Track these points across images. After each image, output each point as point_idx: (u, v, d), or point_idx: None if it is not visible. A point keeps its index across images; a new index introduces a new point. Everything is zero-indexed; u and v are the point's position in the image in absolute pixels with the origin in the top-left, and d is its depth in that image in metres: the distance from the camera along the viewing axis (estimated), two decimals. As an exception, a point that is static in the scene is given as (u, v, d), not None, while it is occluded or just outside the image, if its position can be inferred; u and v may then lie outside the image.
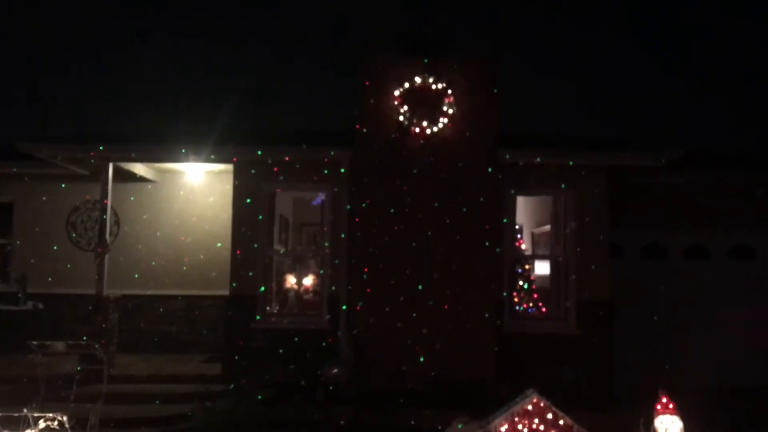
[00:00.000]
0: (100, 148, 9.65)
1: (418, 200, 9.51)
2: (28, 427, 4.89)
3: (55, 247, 11.43)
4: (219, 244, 10.94)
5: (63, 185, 11.48)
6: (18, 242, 11.57)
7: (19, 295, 10.85)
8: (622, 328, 10.07)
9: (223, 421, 7.44)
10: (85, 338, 9.57)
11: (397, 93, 9.57)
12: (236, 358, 9.44)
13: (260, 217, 9.87)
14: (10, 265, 11.53)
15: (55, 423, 5.04)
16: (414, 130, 9.56)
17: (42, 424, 4.86)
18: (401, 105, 9.57)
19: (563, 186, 9.99)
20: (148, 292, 11.31)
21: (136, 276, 11.27)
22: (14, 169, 11.22)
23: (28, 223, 11.57)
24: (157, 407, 8.58)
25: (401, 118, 9.56)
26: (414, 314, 9.32)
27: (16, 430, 4.77)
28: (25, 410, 4.86)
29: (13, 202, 11.65)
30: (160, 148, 9.88)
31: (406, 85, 9.56)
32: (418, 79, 9.56)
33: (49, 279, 11.20)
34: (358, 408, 8.29)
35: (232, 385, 8.55)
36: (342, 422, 8.02)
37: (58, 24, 39.06)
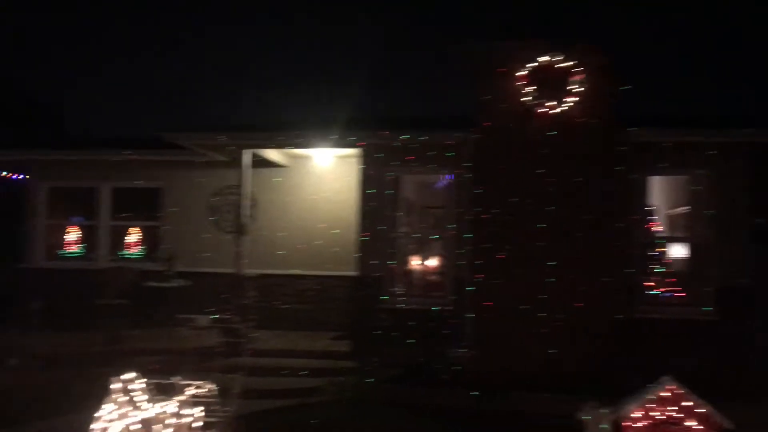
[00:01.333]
0: (236, 136, 10.07)
1: (543, 181, 9.22)
2: (177, 394, 5.15)
3: (198, 229, 12.08)
4: (337, 231, 11.14)
5: (204, 171, 12.09)
6: (166, 224, 12.33)
7: (168, 272, 11.54)
8: (764, 314, 9.32)
9: (351, 397, 7.58)
10: (225, 314, 10.08)
11: (522, 74, 9.29)
12: (363, 336, 9.59)
13: (386, 199, 9.95)
14: (160, 245, 12.31)
15: (202, 391, 5.28)
16: (539, 111, 9.25)
17: (189, 392, 5.12)
18: (526, 86, 9.28)
19: (699, 166, 9.35)
20: (282, 272, 11.71)
21: (272, 256, 11.69)
22: (162, 157, 11.95)
23: (174, 207, 12.30)
24: (290, 380, 8.87)
25: (526, 98, 9.28)
26: (539, 297, 9.07)
27: (166, 397, 5.03)
28: (173, 379, 5.13)
29: (162, 188, 12.41)
30: (293, 135, 10.15)
31: (532, 65, 9.26)
32: (543, 60, 9.24)
33: (194, 258, 11.85)
34: (481, 390, 8.19)
35: (360, 363, 8.70)
36: (466, 404, 7.95)
37: (194, 19, 41.14)
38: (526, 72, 9.27)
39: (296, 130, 10.27)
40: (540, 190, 9.21)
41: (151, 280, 11.53)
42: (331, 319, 11.48)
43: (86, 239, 12.67)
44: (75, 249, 12.67)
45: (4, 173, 15.02)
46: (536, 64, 9.25)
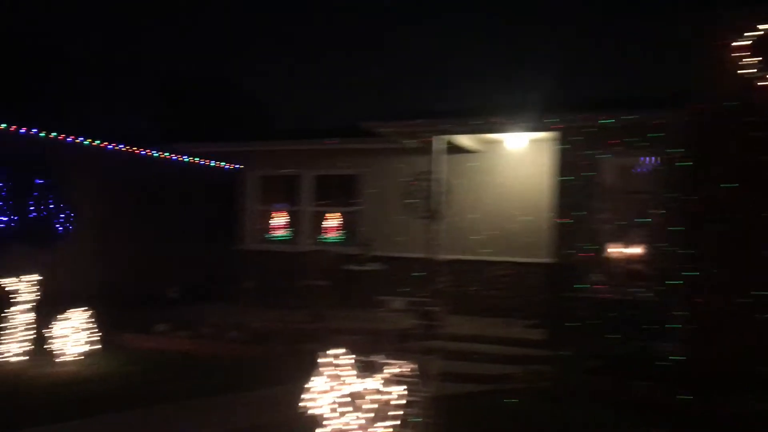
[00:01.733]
0: (430, 122, 10.16)
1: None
2: (379, 372, 5.26)
3: (393, 215, 12.40)
4: (530, 217, 10.81)
5: (399, 158, 12.37)
6: (363, 210, 12.80)
7: (365, 256, 11.99)
8: None
9: (548, 386, 7.34)
10: (419, 298, 10.25)
11: (741, 44, 8.35)
12: (558, 325, 9.26)
13: (583, 184, 9.49)
14: (357, 230, 12.81)
15: (403, 371, 5.36)
16: (763, 84, 8.26)
17: (392, 371, 5.21)
18: (747, 57, 8.33)
19: None
20: (475, 258, 11.67)
21: (464, 242, 11.69)
22: (359, 146, 12.41)
23: (371, 193, 12.73)
24: (484, 366, 8.80)
25: (750, 71, 8.33)
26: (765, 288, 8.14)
27: (368, 374, 5.16)
28: (375, 357, 5.25)
29: (359, 174, 12.89)
30: (487, 120, 10.03)
31: (753, 35, 8.29)
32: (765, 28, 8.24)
33: (389, 243, 12.19)
34: (695, 388, 7.53)
35: (556, 352, 8.41)
36: (678, 403, 7.34)
37: (387, 11, 42.13)
38: (750, 42, 8.32)
39: (488, 115, 10.13)
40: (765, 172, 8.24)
41: (350, 263, 12.04)
42: (523, 307, 11.23)
43: (291, 224, 13.53)
44: (281, 233, 13.59)
45: (221, 164, 16.49)
46: (756, 33, 8.27)
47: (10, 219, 10.96)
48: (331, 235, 13.19)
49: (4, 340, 8.60)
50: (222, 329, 10.38)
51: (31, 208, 11.32)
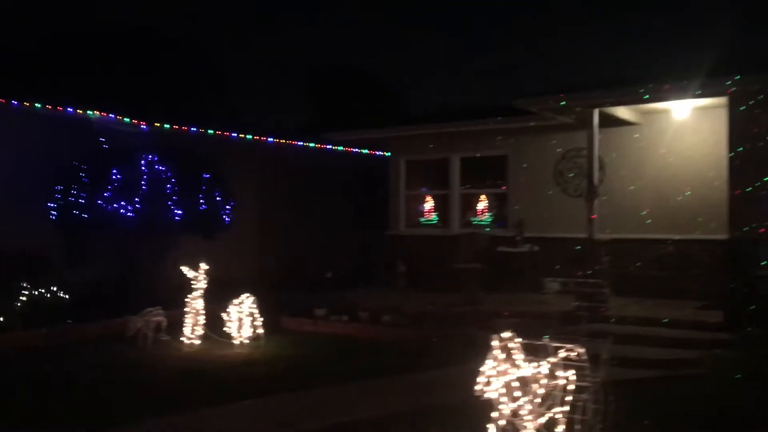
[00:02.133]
0: (586, 96, 9.62)
1: None
2: (547, 356, 5.01)
3: (544, 194, 11.95)
4: (698, 192, 9.95)
5: (549, 136, 11.89)
6: (513, 191, 12.45)
7: (517, 238, 11.66)
8: None
9: (734, 372, 6.70)
10: (576, 279, 9.78)
11: None
12: (737, 306, 8.45)
13: (764, 153, 8.57)
14: (508, 211, 12.48)
15: (572, 354, 5.08)
16: None
17: (561, 354, 4.95)
18: None
19: None
20: (635, 236, 10.98)
21: (622, 220, 11.03)
22: (507, 125, 12.05)
23: (520, 173, 12.35)
24: (654, 350, 8.24)
25: None
26: None
27: (535, 358, 4.92)
28: (545, 339, 5.00)
29: (507, 155, 12.54)
30: (649, 88, 9.29)
31: None
32: None
33: (541, 223, 11.77)
34: None
35: (737, 336, 7.67)
36: None
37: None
38: None
39: (649, 83, 9.41)
40: None
41: (501, 245, 11.76)
42: (694, 287, 10.40)
43: (440, 207, 13.44)
44: (430, 217, 13.54)
45: (369, 151, 16.75)
46: None
47: (183, 212, 11.74)
48: (481, 217, 12.95)
49: (186, 324, 9.21)
50: (378, 313, 10.51)
51: (201, 201, 12.05)
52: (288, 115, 22.50)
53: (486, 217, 12.92)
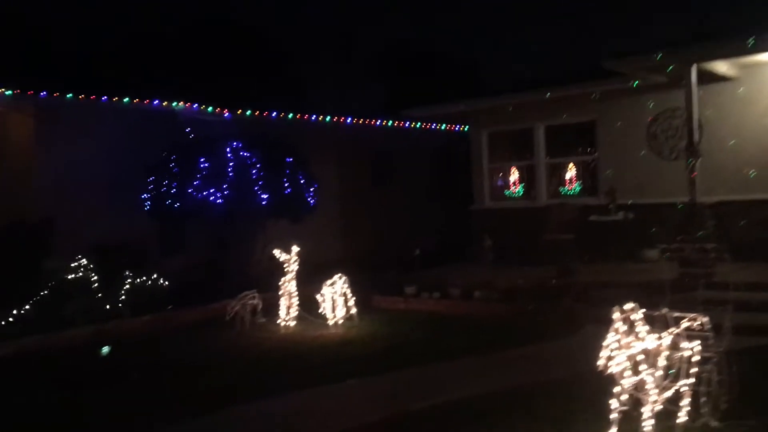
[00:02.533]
0: (682, 51, 9.04)
1: None
2: (666, 327, 4.72)
3: (637, 159, 11.40)
4: None
5: (639, 97, 11.30)
6: (603, 157, 11.94)
7: (610, 206, 11.19)
8: None
9: None
10: (677, 246, 9.28)
11: None
12: None
13: None
14: (598, 178, 11.99)
15: (692, 324, 4.77)
16: None
17: (684, 325, 4.65)
18: None
19: None
20: (740, 197, 10.33)
21: (723, 181, 10.38)
22: (593, 89, 11.52)
23: (610, 139, 11.82)
24: (764, 317, 7.74)
25: None
26: None
27: (654, 329, 4.64)
28: (665, 310, 4.71)
29: (595, 120, 12.02)
30: (756, 38, 8.61)
31: None
32: None
33: (634, 189, 11.24)
34: None
35: None
36: None
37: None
38: None
39: (751, 33, 8.72)
40: None
41: (593, 214, 11.33)
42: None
43: (526, 179, 13.06)
44: (516, 189, 13.19)
45: (449, 126, 16.49)
46: None
47: (268, 197, 11.86)
48: (570, 187, 12.50)
49: (280, 307, 9.31)
50: (469, 289, 10.33)
51: (285, 184, 12.13)
52: (363, 95, 22.42)
53: (575, 187, 12.45)
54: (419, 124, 16.27)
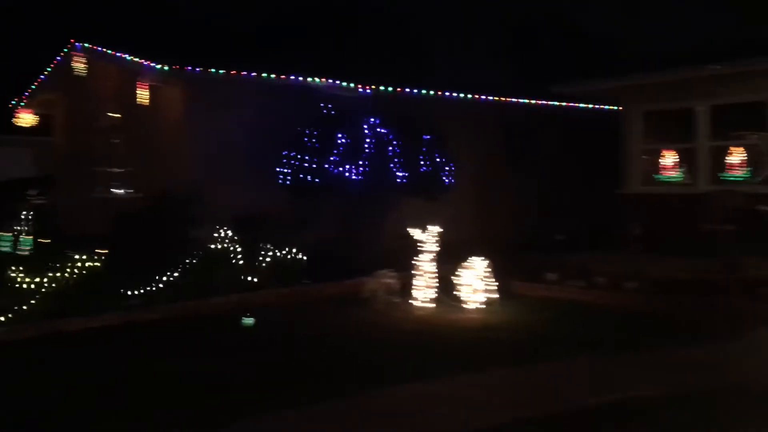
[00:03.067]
0: None
1: None
2: None
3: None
4: None
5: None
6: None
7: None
8: None
9: None
10: None
11: None
12: None
13: None
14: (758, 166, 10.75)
15: None
16: None
17: None
18: None
19: None
20: None
21: None
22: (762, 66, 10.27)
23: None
24: None
25: None
26: None
27: None
28: None
29: (765, 101, 10.74)
30: None
31: None
32: None
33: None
34: None
35: None
36: None
37: None
38: None
39: None
40: None
41: (762, 203, 10.16)
42: None
43: (683, 163, 11.96)
44: (671, 173, 12.10)
45: (595, 105, 15.48)
46: None
47: (404, 174, 11.59)
48: (735, 173, 11.28)
49: (416, 287, 9.02)
50: (616, 279, 9.57)
51: (422, 162, 11.81)
52: (498, 72, 21.55)
53: (743, 173, 11.21)
54: (557, 102, 15.38)
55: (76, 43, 13.80)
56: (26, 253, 11.31)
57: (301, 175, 11.77)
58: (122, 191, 14.08)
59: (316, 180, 11.67)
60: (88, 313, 8.26)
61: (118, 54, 12.59)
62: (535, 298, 9.57)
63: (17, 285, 8.32)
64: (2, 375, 6.49)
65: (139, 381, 6.15)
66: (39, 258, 10.14)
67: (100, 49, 13.21)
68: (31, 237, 14.73)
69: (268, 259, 9.84)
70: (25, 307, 8.00)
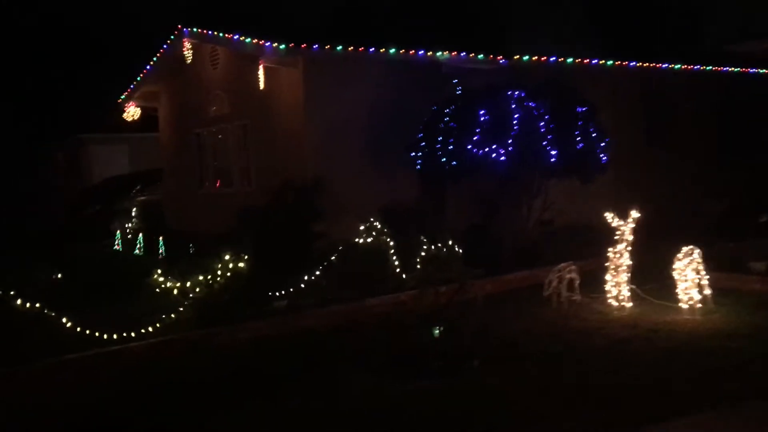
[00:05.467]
0: None
1: None
2: None
3: None
4: None
5: None
6: None
7: None
8: None
9: None
10: None
11: None
12: None
13: None
14: None
15: None
16: None
17: None
18: None
19: None
20: None
21: None
22: None
23: None
24: None
25: None
26: None
27: None
28: None
29: None
30: None
31: None
32: None
33: None
34: None
35: None
36: None
37: None
38: None
39: None
40: None
41: None
42: None
43: None
44: None
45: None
46: None
47: (557, 153, 10.01)
48: None
49: (611, 283, 7.48)
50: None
51: (577, 138, 10.20)
52: (645, 36, 19.16)
53: None
54: (710, 66, 13.43)
55: (184, 29, 12.74)
56: (160, 255, 10.25)
57: (438, 159, 10.37)
58: (235, 185, 13.00)
59: (454, 163, 10.25)
60: (234, 321, 7.09)
61: (234, 36, 11.40)
62: (750, 293, 7.83)
63: (160, 291, 7.22)
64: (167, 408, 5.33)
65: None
66: (171, 260, 9.07)
67: (210, 33, 12.08)
68: (141, 234, 13.84)
69: (422, 254, 8.44)
70: (173, 315, 6.88)
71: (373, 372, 5.70)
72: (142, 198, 16.31)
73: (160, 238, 12.27)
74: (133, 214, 15.51)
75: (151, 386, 5.74)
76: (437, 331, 6.02)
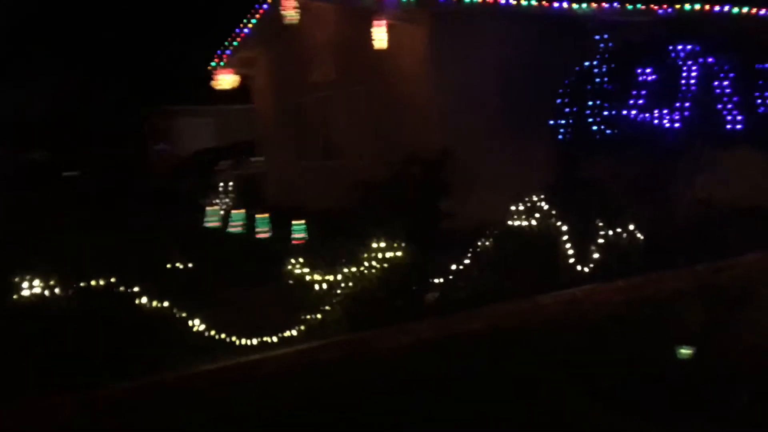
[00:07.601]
0: None
1: None
2: None
3: None
4: None
5: None
6: None
7: None
8: None
9: None
10: None
11: None
12: None
13: None
14: None
15: None
16: None
17: None
18: None
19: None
20: None
21: None
22: None
23: None
24: None
25: None
26: None
27: None
28: None
29: None
30: None
31: None
32: None
33: None
34: None
35: None
36: None
37: None
38: None
39: None
40: None
41: None
42: None
43: None
44: None
45: None
46: None
47: (740, 118, 8.30)
48: None
49: None
50: None
51: (758, 101, 8.45)
52: None
53: None
54: None
55: (288, -15, 11.39)
56: (300, 240, 9.04)
57: (588, 127, 8.82)
58: (346, 158, 11.73)
59: (608, 132, 8.68)
60: (390, 322, 5.83)
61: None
62: None
63: (305, 284, 6.01)
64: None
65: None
66: (309, 247, 7.85)
67: (320, -13, 10.73)
68: (243, 211, 12.72)
69: (600, 240, 6.93)
70: (319, 316, 5.67)
71: (605, 403, 4.29)
72: (238, 172, 15.30)
73: (266, 215, 11.10)
74: (229, 188, 14.47)
75: (307, 405, 4.54)
76: (687, 352, 4.51)
